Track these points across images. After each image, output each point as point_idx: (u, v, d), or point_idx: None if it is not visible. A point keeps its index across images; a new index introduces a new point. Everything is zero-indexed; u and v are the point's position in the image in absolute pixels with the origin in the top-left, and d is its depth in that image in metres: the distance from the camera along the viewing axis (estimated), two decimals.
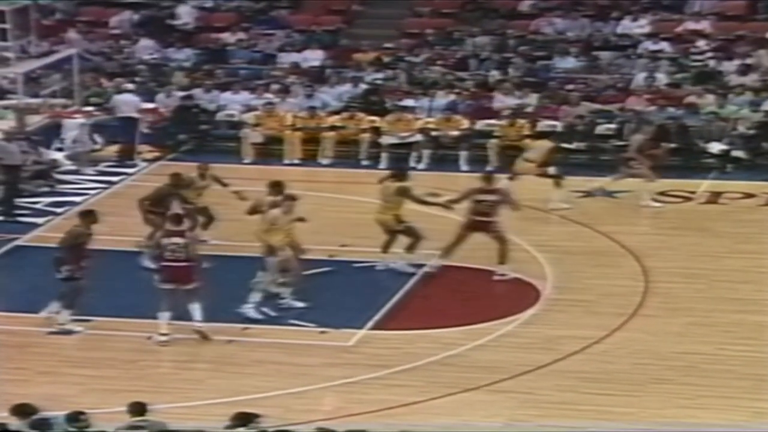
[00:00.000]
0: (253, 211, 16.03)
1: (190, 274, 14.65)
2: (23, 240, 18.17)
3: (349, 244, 17.47)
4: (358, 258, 16.98)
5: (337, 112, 22.76)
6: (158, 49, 25.03)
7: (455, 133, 21.74)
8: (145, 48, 25.09)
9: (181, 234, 14.82)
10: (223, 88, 23.59)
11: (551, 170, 19.03)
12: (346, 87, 23.54)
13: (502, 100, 22.44)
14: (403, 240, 16.62)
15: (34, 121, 22.15)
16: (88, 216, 15.42)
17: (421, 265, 16.46)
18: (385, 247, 16.56)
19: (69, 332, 14.85)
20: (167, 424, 11.03)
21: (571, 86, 22.89)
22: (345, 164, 21.74)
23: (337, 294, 16.05)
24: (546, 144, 19.39)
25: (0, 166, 19.28)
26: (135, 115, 22.17)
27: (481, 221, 16.27)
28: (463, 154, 21.42)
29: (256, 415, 10.72)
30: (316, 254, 16.98)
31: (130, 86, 22.80)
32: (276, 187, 16.04)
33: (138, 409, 11.01)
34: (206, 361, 14.20)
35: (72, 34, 25.00)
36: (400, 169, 17.56)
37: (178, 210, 16.19)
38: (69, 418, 10.72)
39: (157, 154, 22.13)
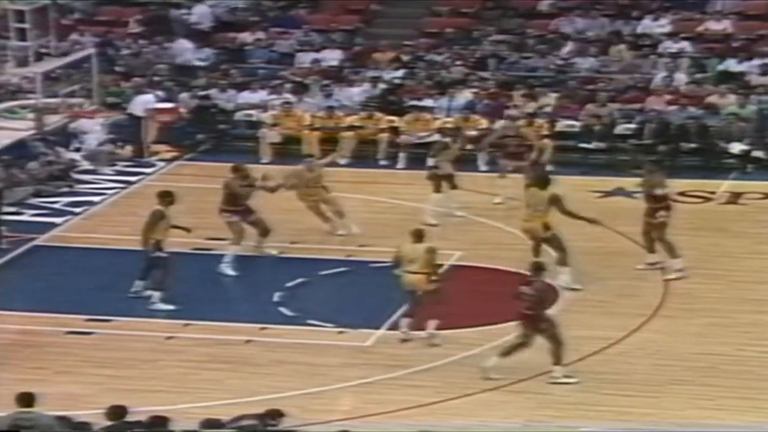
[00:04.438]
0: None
1: None
2: (41, 240, 18.29)
3: (367, 244, 17.55)
4: (375, 258, 17.02)
5: (355, 112, 22.80)
6: (195, 50, 24.99)
7: (474, 133, 21.81)
8: (183, 49, 25.02)
9: None
10: (241, 88, 23.70)
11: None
12: (365, 87, 23.56)
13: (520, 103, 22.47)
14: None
15: (53, 120, 22.30)
16: (167, 197, 15.67)
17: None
18: (536, 254, 16.01)
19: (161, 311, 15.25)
20: (51, 417, 11.00)
21: (593, 86, 22.91)
22: (363, 164, 21.80)
23: (355, 294, 16.12)
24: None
25: None
26: (142, 114, 22.31)
27: None
28: (481, 154, 21.48)
29: (281, 413, 10.88)
30: (334, 254, 17.07)
31: (148, 87, 23.02)
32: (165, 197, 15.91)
33: (26, 399, 10.92)
34: (224, 362, 14.30)
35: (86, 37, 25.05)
36: (544, 176, 16.67)
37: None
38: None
39: (174, 153, 22.20)
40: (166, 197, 15.83)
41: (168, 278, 15.62)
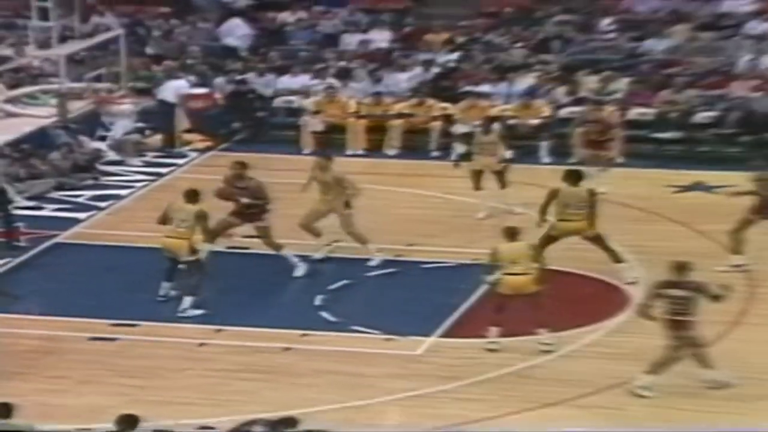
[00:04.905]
0: (163, 221, 15.97)
1: None
2: (63, 237, 18.34)
3: (416, 242, 17.47)
4: (426, 258, 16.92)
5: (404, 99, 22.71)
6: (248, 30, 24.95)
7: (535, 121, 21.62)
8: (236, 27, 24.93)
9: None
10: (281, 72, 23.68)
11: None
12: (415, 71, 23.50)
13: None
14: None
15: (77, 107, 22.42)
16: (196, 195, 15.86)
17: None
18: (614, 257, 16.09)
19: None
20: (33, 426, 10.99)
21: (669, 70, 22.65)
22: (413, 155, 21.70)
23: (404, 298, 16.02)
24: None
25: None
26: (173, 100, 22.35)
27: None
28: (544, 145, 21.28)
29: (295, 421, 10.79)
30: (381, 254, 16.98)
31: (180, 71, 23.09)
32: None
33: (3, 410, 10.96)
34: (260, 371, 14.24)
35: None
36: (576, 170, 16.60)
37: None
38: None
39: (208, 143, 22.25)
40: (196, 195, 15.88)
41: (203, 282, 15.62)
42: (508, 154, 18.81)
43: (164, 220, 16.00)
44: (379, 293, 16.29)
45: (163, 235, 15.88)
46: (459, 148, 20.42)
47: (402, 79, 23.28)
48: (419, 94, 22.63)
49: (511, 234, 14.72)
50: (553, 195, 16.19)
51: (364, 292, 16.35)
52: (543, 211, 16.19)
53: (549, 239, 15.93)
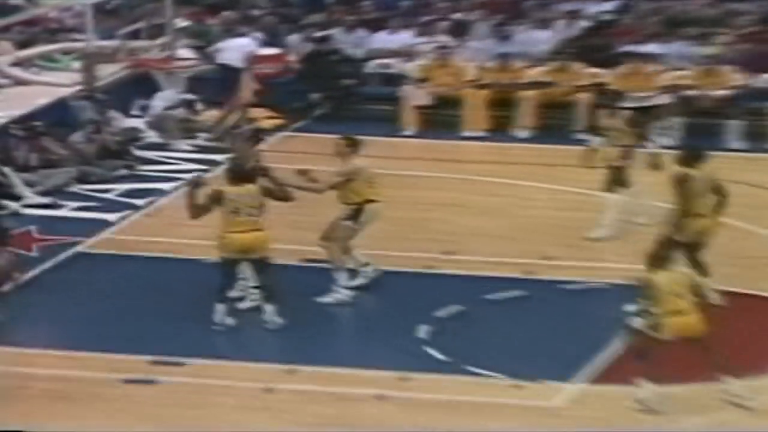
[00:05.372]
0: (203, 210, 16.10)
1: None
2: (88, 245, 18.61)
3: (555, 255, 17.52)
4: (567, 277, 16.97)
5: (541, 63, 22.79)
6: None
7: (720, 92, 21.50)
8: None
9: None
10: (375, 27, 23.83)
11: None
12: (556, 26, 23.53)
13: None
14: None
15: (108, 72, 22.71)
16: None
17: None
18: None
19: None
20: None
21: None
22: (551, 138, 21.73)
23: (537, 330, 16.07)
24: None
25: None
26: (239, 64, 22.57)
27: None
28: (733, 125, 21.15)
29: None
30: (506, 270, 17.01)
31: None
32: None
33: None
34: (346, 425, 14.36)
35: None
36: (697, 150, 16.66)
37: None
38: None
39: (279, 121, 22.50)
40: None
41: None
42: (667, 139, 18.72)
43: (205, 209, 16.06)
44: (503, 323, 16.33)
45: (225, 232, 15.97)
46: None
47: (538, 38, 23.37)
48: (561, 57, 22.73)
49: (662, 259, 14.61)
50: (682, 181, 16.13)
51: (484, 321, 16.39)
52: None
53: (683, 248, 15.85)
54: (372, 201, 16.46)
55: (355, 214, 16.42)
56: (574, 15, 23.69)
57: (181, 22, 24.38)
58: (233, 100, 21.47)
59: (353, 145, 16.59)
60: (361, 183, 16.44)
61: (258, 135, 17.76)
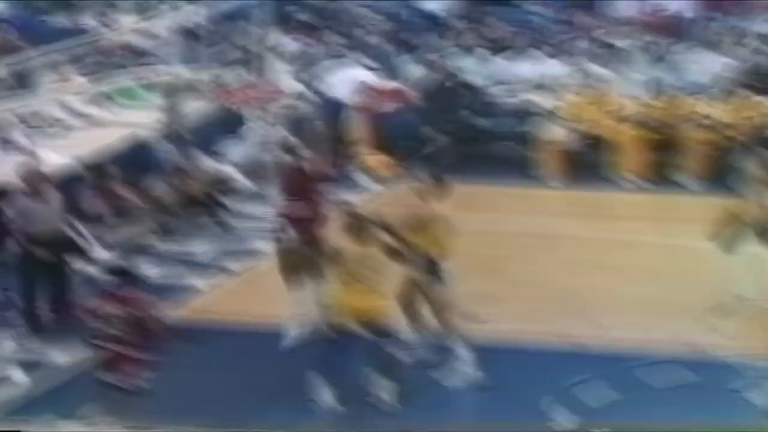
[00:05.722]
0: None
1: None
2: (170, 314, 18.90)
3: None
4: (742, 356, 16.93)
5: (712, 95, 22.84)
6: None
7: None
8: None
9: None
10: (499, 49, 24.05)
11: None
12: (728, 48, 23.68)
13: None
14: None
15: (194, 108, 23.11)
16: None
17: None
18: None
19: None
20: None
21: None
22: (726, 189, 21.85)
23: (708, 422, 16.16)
24: None
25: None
26: (343, 98, 23.01)
27: None
28: None
29: None
30: (659, 335, 17.26)
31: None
32: None
33: None
34: None
35: None
36: None
37: None
38: None
39: (396, 168, 22.80)
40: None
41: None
42: None
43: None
44: (666, 411, 16.54)
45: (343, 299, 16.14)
46: None
47: (709, 64, 23.51)
48: (738, 88, 22.73)
49: None
50: None
51: (640, 412, 16.53)
52: None
53: None
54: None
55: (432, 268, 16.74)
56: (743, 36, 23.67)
57: (286, 43, 24.72)
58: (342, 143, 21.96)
59: (440, 188, 16.81)
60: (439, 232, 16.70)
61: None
